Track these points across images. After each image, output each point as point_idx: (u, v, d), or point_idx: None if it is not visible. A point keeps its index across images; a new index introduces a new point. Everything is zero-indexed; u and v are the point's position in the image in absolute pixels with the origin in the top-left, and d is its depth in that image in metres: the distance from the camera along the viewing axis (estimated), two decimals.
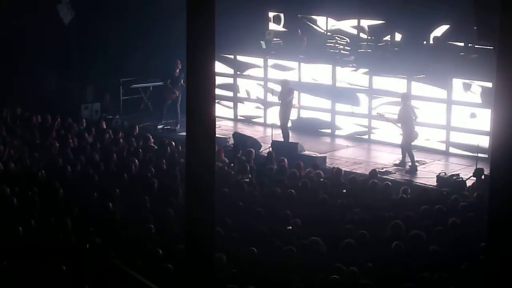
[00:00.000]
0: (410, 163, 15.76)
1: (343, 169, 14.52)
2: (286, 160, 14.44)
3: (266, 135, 18.18)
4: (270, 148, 16.33)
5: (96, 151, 14.36)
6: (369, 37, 18.93)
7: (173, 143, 15.33)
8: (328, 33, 19.61)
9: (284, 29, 20.42)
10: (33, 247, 8.73)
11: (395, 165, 16.02)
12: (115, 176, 12.75)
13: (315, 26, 20.09)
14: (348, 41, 19.16)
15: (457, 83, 16.92)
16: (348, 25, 19.50)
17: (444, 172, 14.87)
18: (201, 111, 5.53)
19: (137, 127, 16.55)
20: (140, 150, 14.64)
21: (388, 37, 18.79)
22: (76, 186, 12.13)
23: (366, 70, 18.20)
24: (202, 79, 5.52)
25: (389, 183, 13.30)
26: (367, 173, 14.27)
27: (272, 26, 20.54)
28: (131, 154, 14.46)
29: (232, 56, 20.29)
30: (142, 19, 19.41)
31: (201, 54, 5.52)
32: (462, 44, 17.55)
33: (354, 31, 19.41)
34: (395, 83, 17.77)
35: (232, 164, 14.21)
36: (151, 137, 15.63)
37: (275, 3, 20.24)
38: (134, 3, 19.18)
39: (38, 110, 17.12)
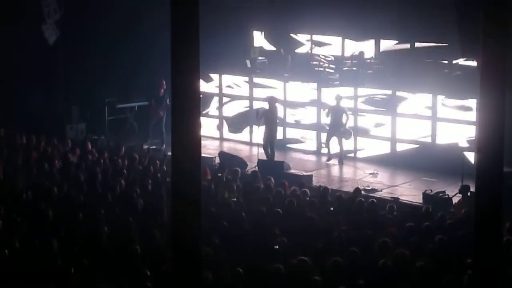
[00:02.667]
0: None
1: (330, 187, 14.49)
2: (272, 179, 14.42)
3: (252, 154, 18.15)
4: (256, 167, 16.32)
5: (81, 171, 14.29)
6: (353, 55, 19.04)
7: (158, 162, 15.29)
8: (313, 52, 19.70)
9: (269, 48, 20.50)
10: (19, 271, 8.71)
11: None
12: (100, 196, 12.68)
13: (299, 45, 20.19)
14: (333, 59, 19.26)
15: (441, 100, 17.03)
16: (332, 43, 19.63)
17: (430, 189, 14.90)
18: (186, 131, 5.52)
19: (123, 147, 16.51)
20: (125, 170, 14.57)
21: (372, 55, 18.93)
22: (62, 207, 12.06)
23: (351, 88, 18.30)
24: (187, 99, 5.51)
25: (375, 200, 13.28)
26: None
27: (257, 44, 20.63)
28: (116, 174, 14.39)
29: (217, 75, 20.35)
30: (126, 39, 19.43)
31: (186, 74, 5.52)
32: (446, 61, 17.68)
33: (339, 50, 19.54)
34: (379, 102, 17.85)
35: (218, 183, 14.16)
36: (137, 157, 15.57)
37: (260, 21, 20.33)
38: (118, 23, 19.19)
39: (23, 130, 17.05)
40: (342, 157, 17.94)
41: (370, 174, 16.77)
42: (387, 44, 18.75)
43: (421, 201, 14.34)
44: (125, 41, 19.43)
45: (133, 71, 19.73)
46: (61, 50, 19.58)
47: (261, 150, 17.44)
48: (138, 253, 9.80)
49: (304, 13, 19.24)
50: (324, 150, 18.43)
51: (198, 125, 5.55)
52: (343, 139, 17.90)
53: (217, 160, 16.97)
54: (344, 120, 17.72)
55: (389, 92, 17.76)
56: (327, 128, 18.11)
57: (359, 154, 18.34)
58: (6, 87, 18.75)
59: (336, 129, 17.79)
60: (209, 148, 18.86)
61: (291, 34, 20.23)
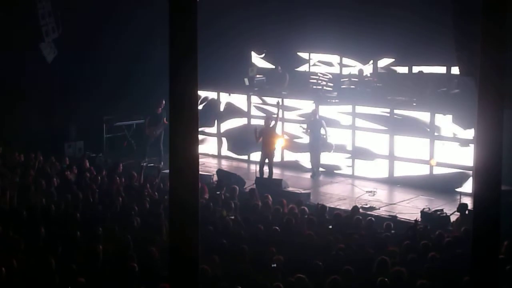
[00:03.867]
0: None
1: (328, 205, 14.48)
2: (270, 196, 14.41)
3: (250, 171, 18.16)
4: (254, 185, 16.30)
5: (79, 189, 14.27)
6: (351, 73, 19.11)
7: (155, 180, 15.28)
8: (311, 70, 19.78)
9: (267, 66, 20.58)
10: None
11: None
12: (98, 214, 12.66)
13: (297, 63, 20.28)
14: (331, 77, 19.32)
15: (439, 117, 17.05)
16: (330, 61, 19.71)
17: (428, 207, 14.89)
18: (184, 148, 5.52)
19: (121, 165, 16.51)
20: (122, 188, 14.56)
21: (369, 73, 19.00)
22: (59, 225, 12.04)
23: (349, 106, 18.34)
24: (185, 116, 5.51)
25: (373, 218, 13.27)
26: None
27: (255, 62, 20.72)
28: (114, 192, 14.38)
29: (215, 93, 20.41)
30: (125, 57, 19.49)
31: (184, 92, 5.53)
32: (444, 77, 17.73)
33: (337, 68, 19.62)
34: (377, 119, 17.87)
35: (216, 201, 14.13)
36: (135, 174, 15.56)
37: (258, 40, 20.42)
38: (117, 42, 19.26)
39: (21, 149, 17.04)
40: (318, 171, 18.27)
41: (368, 192, 16.75)
42: (385, 63, 18.82)
43: (419, 219, 14.29)
44: (124, 60, 19.48)
45: (131, 89, 19.78)
46: (59, 68, 19.63)
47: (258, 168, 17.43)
48: (136, 271, 9.78)
49: (303, 32, 19.33)
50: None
51: (196, 141, 5.54)
52: (325, 153, 18.08)
53: (215, 178, 16.95)
54: (322, 132, 17.92)
55: (387, 110, 17.75)
56: (308, 144, 18.28)
57: (357, 172, 18.30)
58: (4, 104, 18.76)
59: (316, 143, 18.02)
60: (207, 166, 18.86)
61: (290, 52, 20.30)
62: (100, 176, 15.43)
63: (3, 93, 18.75)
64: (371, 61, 18.92)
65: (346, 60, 19.50)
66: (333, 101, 18.69)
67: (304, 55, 20.17)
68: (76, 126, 19.84)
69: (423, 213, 14.51)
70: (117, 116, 20.37)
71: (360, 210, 14.12)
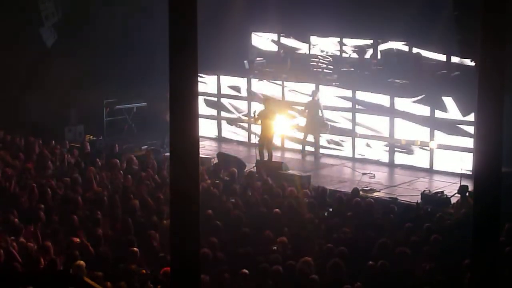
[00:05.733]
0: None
1: (328, 187, 14.45)
2: (270, 179, 14.39)
3: (251, 154, 18.16)
4: (254, 168, 16.29)
5: (79, 173, 14.25)
6: (351, 55, 19.03)
7: (155, 163, 15.25)
8: (311, 53, 19.69)
9: (268, 49, 20.51)
10: (19, 274, 8.72)
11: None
12: (96, 198, 12.64)
13: (298, 46, 20.18)
14: (331, 60, 19.25)
15: (439, 100, 17.00)
16: (330, 43, 19.62)
17: (429, 190, 14.89)
18: (184, 131, 5.50)
19: (116, 146, 16.48)
20: (122, 172, 14.53)
21: (369, 55, 18.91)
22: (59, 209, 12.05)
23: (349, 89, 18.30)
24: (185, 99, 5.49)
25: (372, 200, 13.23)
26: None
27: (255, 45, 20.63)
28: (114, 176, 14.35)
29: (215, 76, 20.33)
30: (125, 40, 19.43)
31: (184, 74, 5.50)
32: (444, 59, 17.66)
33: (337, 50, 19.53)
34: (378, 99, 17.85)
35: (216, 184, 14.10)
36: (134, 158, 15.53)
37: (258, 22, 20.31)
38: (116, 25, 19.18)
39: (21, 133, 17.02)
40: (319, 153, 18.40)
41: (365, 174, 16.73)
42: (387, 45, 18.69)
43: (419, 201, 14.28)
44: (124, 42, 19.41)
45: (132, 72, 19.71)
46: (59, 52, 19.55)
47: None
48: (137, 255, 9.79)
49: (302, 14, 19.22)
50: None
51: (196, 124, 5.51)
52: (321, 133, 18.20)
53: (216, 161, 16.91)
54: (320, 114, 17.98)
55: (388, 94, 17.70)
56: (304, 124, 18.38)
57: (358, 155, 18.31)
58: (4, 89, 18.72)
59: (313, 124, 18.10)
60: (207, 149, 18.85)
61: (292, 34, 20.23)
62: (100, 160, 15.35)
63: (3, 79, 18.70)
64: (372, 43, 18.79)
65: (348, 42, 19.36)
66: (333, 84, 18.62)
67: (304, 37, 20.04)
68: (76, 110, 19.80)
69: (423, 195, 14.50)
70: (117, 100, 20.33)
71: (361, 192, 14.05)
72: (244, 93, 20.03)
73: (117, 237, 10.93)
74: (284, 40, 20.45)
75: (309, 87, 18.73)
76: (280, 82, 19.35)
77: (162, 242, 10.34)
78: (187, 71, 5.46)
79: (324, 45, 19.74)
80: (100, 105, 20.04)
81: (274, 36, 20.56)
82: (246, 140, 19.98)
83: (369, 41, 18.85)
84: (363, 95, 18.10)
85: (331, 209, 12.82)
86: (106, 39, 19.23)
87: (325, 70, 19.19)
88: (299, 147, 19.10)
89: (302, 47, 20.15)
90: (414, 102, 17.29)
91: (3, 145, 16.56)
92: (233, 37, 20.04)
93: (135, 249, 9.86)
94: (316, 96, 18.14)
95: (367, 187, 15.49)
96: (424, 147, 17.21)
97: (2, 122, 17.62)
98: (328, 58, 19.39)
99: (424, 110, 17.21)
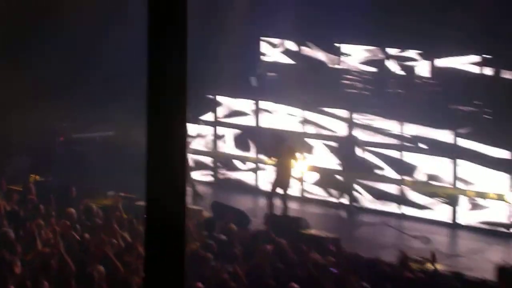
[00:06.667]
0: None
1: (364, 255, 14.33)
2: (285, 241, 14.24)
3: (258, 205, 18.14)
4: (265, 224, 16.15)
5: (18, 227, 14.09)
6: (397, 72, 18.95)
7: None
8: (342, 68, 19.63)
9: (284, 61, 20.54)
10: None
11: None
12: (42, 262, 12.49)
13: (323, 58, 20.17)
14: (369, 78, 19.18)
15: None
16: (368, 54, 19.55)
17: (507, 262, 14.64)
18: (166, 176, 5.34)
19: (72, 189, 16.55)
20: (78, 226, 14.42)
21: (425, 73, 18.81)
22: None
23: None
24: (170, 131, 5.34)
25: (423, 276, 13.14)
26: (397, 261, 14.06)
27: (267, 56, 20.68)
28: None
29: (211, 97, 20.33)
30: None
31: (168, 96, 5.35)
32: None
33: (378, 65, 19.46)
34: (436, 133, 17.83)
35: (209, 246, 14.00)
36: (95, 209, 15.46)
37: (271, 27, 20.33)
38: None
39: None
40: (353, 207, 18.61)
41: (414, 238, 16.69)
42: (448, 60, 18.61)
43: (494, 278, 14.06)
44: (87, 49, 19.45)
45: (96, 90, 19.67)
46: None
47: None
48: None
49: (327, 14, 19.18)
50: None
51: (183, 169, 5.33)
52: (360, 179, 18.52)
53: (208, 214, 16.80)
54: (357, 153, 18.29)
55: (448, 128, 17.66)
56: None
57: (406, 210, 18.23)
58: None
59: (347, 166, 18.45)
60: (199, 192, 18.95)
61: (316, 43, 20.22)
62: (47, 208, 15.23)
63: None
64: (424, 55, 18.75)
65: (391, 54, 19.31)
66: (373, 110, 18.56)
67: (331, 45, 20.03)
68: (17, 137, 19.72)
69: (501, 270, 14.20)
70: (75, 126, 20.26)
71: (411, 263, 13.92)
72: (250, 121, 19.93)
73: None
74: (304, 49, 20.41)
75: (338, 114, 18.70)
76: (298, 107, 19.34)
77: None
78: (170, 93, 5.31)
79: (359, 57, 19.69)
80: (51, 132, 19.90)
81: (290, 44, 20.52)
82: (253, 184, 19.96)
83: (417, 52, 18.75)
84: (414, 129, 18.14)
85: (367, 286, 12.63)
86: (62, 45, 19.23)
87: (362, 92, 19.14)
88: (327, 197, 19.08)
89: (329, 59, 20.11)
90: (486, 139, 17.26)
91: None
92: (235, 43, 20.06)
93: None
94: (350, 129, 18.25)
95: (419, 256, 15.25)
96: (500, 201, 17.09)
97: None
98: (365, 75, 19.36)
99: (500, 151, 17.18)
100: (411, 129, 18.19)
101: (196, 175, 20.18)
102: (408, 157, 18.30)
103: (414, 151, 18.21)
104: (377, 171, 18.56)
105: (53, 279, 11.87)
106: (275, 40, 20.81)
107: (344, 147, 18.42)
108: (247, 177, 20.35)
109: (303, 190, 19.37)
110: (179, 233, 5.61)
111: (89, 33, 19.41)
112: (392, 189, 18.49)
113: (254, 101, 20.05)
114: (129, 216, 15.31)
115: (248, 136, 20.22)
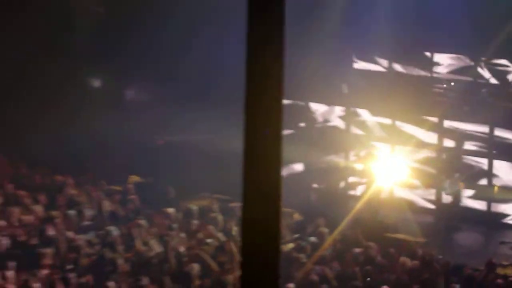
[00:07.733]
0: None
1: (451, 261, 14.32)
2: (373, 244, 14.35)
3: (348, 209, 18.09)
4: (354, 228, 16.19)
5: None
6: (489, 80, 18.85)
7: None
8: (433, 76, 19.57)
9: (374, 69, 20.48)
10: None
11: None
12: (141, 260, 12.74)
13: (415, 67, 20.09)
14: (462, 87, 19.11)
15: None
16: (461, 65, 19.43)
17: None
18: (263, 170, 5.51)
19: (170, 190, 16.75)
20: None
21: None
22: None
23: None
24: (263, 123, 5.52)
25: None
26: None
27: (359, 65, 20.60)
28: None
29: (303, 103, 20.38)
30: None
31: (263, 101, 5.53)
32: None
33: (470, 73, 19.35)
34: None
35: (301, 247, 14.13)
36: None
37: (363, 36, 20.17)
38: None
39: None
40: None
41: (502, 243, 16.43)
42: None
43: None
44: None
45: (195, 92, 19.88)
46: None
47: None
48: None
49: (420, 25, 19.11)
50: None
51: (279, 162, 5.49)
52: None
53: (299, 216, 16.87)
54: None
55: None
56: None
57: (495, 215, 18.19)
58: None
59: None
60: None
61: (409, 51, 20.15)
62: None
63: None
64: None
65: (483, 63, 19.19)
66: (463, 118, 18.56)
67: (422, 54, 19.92)
68: (116, 138, 19.92)
69: None
70: (174, 128, 20.51)
71: (498, 269, 13.88)
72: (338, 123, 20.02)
73: None
74: (396, 58, 20.36)
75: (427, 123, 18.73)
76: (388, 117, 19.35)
77: None
78: (267, 97, 5.46)
79: (450, 66, 19.57)
80: (150, 134, 20.24)
81: (382, 54, 20.50)
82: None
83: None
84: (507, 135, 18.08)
85: None
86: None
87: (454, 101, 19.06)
88: (417, 199, 19.04)
89: (420, 68, 20.03)
90: None
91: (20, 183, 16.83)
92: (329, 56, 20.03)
93: None
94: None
95: (507, 262, 15.17)
96: None
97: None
98: (452, 83, 19.27)
99: None
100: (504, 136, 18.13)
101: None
102: (499, 164, 18.21)
103: (505, 159, 18.14)
104: (469, 178, 18.46)
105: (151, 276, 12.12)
106: (367, 49, 20.75)
107: (441, 155, 18.33)
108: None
109: (392, 192, 19.32)
110: (274, 235, 5.77)
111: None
112: (481, 195, 18.36)
113: (344, 108, 20.03)
114: (224, 217, 15.52)
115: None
